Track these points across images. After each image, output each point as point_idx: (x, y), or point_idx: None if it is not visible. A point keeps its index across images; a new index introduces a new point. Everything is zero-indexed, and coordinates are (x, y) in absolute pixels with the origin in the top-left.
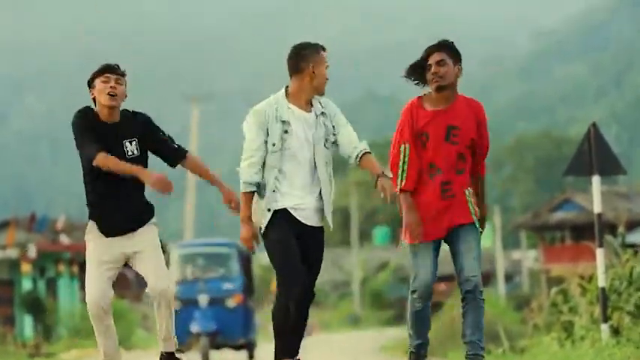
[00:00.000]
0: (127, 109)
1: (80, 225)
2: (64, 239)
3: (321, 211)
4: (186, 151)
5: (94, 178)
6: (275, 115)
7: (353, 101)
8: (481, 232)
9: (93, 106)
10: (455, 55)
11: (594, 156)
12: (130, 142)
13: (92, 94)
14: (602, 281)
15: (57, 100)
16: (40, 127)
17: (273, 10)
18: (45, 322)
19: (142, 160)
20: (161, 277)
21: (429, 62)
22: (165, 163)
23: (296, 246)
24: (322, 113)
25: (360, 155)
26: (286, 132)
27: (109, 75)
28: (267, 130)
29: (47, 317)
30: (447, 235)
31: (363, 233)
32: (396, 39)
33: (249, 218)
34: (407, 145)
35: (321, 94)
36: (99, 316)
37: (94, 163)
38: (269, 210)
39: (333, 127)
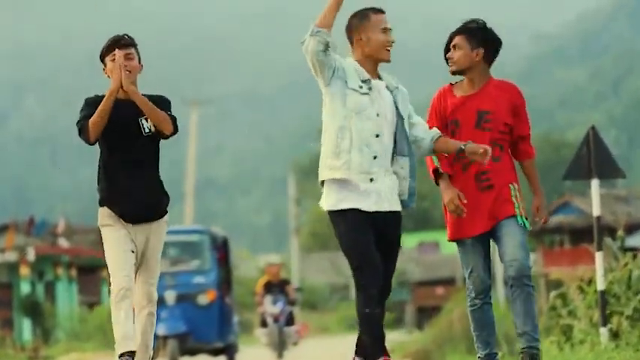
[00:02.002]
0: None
1: (79, 229)
2: (63, 243)
3: None
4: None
5: (106, 160)
6: (356, 68)
7: None
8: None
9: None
10: (474, 39)
11: (593, 159)
12: (147, 120)
13: (105, 72)
14: (601, 285)
15: (57, 103)
16: (40, 131)
17: (273, 10)
18: (43, 325)
19: (157, 138)
20: (149, 288)
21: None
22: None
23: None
24: (396, 88)
25: (437, 137)
26: (371, 89)
27: (119, 50)
28: (342, 69)
29: (46, 320)
30: (492, 231)
31: None
32: (397, 41)
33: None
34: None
35: (382, 61)
36: (125, 296)
37: (88, 136)
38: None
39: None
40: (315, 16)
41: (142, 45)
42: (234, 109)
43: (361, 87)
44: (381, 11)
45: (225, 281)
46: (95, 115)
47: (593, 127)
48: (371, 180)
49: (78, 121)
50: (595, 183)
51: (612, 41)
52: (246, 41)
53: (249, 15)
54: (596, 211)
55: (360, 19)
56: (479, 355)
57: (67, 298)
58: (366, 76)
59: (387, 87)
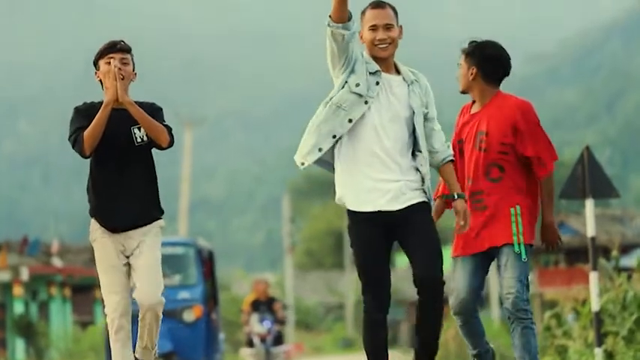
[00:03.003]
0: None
1: (73, 247)
2: (57, 262)
3: None
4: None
5: (96, 169)
6: (367, 60)
7: None
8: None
9: (101, 87)
10: (470, 58)
11: (588, 179)
12: (139, 128)
13: (97, 76)
14: (595, 305)
15: (49, 123)
16: (33, 151)
17: (268, 31)
18: (37, 345)
19: (149, 147)
20: (153, 288)
21: None
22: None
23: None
24: (412, 82)
25: (446, 160)
26: (377, 83)
27: (113, 55)
28: (354, 62)
29: (39, 340)
30: (491, 256)
31: None
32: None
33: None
34: None
35: (379, 58)
36: (121, 326)
37: (84, 149)
38: None
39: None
40: (311, 39)
41: (136, 65)
42: (228, 130)
43: (358, 85)
44: (375, 6)
45: (211, 296)
46: (91, 127)
47: (587, 147)
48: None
49: (71, 134)
50: (590, 203)
51: (605, 61)
52: (240, 63)
53: (244, 37)
54: (590, 231)
55: (361, 15)
56: (471, 353)
57: (60, 317)
58: (376, 67)
59: (405, 80)
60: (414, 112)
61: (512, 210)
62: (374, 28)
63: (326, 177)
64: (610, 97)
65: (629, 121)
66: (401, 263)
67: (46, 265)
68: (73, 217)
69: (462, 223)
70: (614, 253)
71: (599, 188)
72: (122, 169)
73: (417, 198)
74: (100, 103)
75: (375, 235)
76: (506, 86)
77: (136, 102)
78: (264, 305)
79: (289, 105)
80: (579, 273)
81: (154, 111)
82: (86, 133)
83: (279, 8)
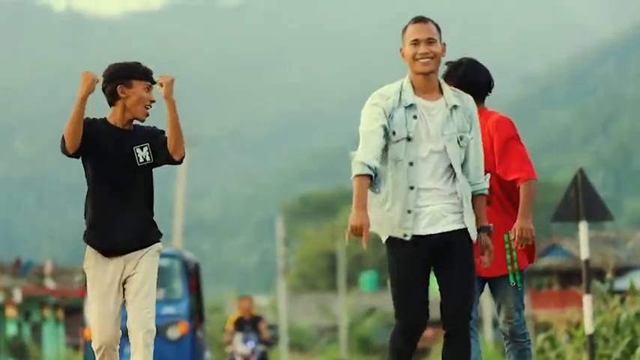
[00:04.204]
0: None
1: (67, 269)
2: (50, 283)
3: None
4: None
5: (95, 189)
6: (402, 91)
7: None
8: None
9: (106, 100)
10: (448, 79)
11: (581, 202)
12: (142, 148)
13: (122, 92)
14: (589, 328)
15: (45, 144)
16: (27, 172)
17: (264, 52)
18: None
19: (150, 167)
20: (144, 315)
21: None
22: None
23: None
24: (455, 106)
25: (477, 193)
26: (415, 117)
27: (152, 86)
28: (390, 115)
29: None
30: (486, 278)
31: (350, 278)
32: (389, 83)
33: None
34: None
35: (421, 73)
36: (107, 354)
37: (65, 147)
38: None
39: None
40: (306, 60)
41: None
42: (222, 151)
43: (394, 133)
44: (417, 21)
45: (196, 312)
46: (67, 123)
47: (581, 170)
48: (386, 209)
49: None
50: (583, 225)
51: (599, 83)
52: (235, 83)
53: (239, 57)
54: (584, 253)
55: (402, 32)
56: None
57: (53, 339)
58: (410, 100)
59: (446, 104)
60: (450, 139)
61: (505, 237)
62: (415, 42)
63: (319, 199)
64: (604, 119)
65: (623, 142)
66: None
67: (39, 286)
68: (67, 239)
69: (483, 259)
70: (609, 275)
71: (592, 211)
72: (122, 189)
73: (457, 224)
74: (102, 119)
75: (416, 263)
76: (499, 108)
77: (137, 126)
78: (249, 324)
79: (284, 126)
80: (573, 296)
81: (159, 133)
82: (64, 130)
83: (275, 29)
